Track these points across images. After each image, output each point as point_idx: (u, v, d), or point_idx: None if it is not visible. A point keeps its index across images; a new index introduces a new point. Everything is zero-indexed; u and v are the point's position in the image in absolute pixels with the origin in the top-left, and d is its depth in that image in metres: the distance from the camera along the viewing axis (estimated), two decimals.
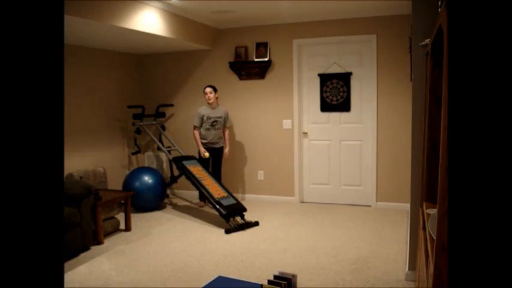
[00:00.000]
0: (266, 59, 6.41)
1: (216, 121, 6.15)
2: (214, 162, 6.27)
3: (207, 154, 6.06)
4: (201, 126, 6.13)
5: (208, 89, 6.12)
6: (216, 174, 6.20)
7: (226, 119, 6.30)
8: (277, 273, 3.36)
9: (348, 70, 6.17)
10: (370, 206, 6.23)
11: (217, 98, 6.22)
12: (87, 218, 4.60)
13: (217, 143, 6.23)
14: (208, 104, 6.14)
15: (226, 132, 6.36)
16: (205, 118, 6.10)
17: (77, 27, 4.58)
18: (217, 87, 6.77)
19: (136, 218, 5.76)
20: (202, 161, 6.13)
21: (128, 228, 5.28)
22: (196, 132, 6.13)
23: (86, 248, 4.60)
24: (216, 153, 6.25)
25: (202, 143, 6.15)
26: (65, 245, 4.23)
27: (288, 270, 3.96)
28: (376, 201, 6.20)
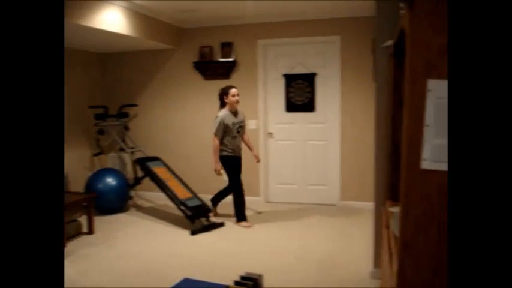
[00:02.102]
0: (231, 59, 6.39)
1: (241, 126, 5.41)
2: (238, 172, 5.47)
3: (223, 175, 5.30)
4: (222, 135, 5.28)
5: (235, 90, 5.31)
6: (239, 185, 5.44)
7: (245, 122, 5.60)
8: (243, 274, 3.36)
9: (313, 71, 6.23)
10: (335, 205, 6.30)
11: None
12: None
13: (240, 151, 5.49)
14: (232, 107, 5.32)
15: (246, 136, 5.65)
16: (231, 125, 5.27)
17: None
18: (181, 87, 6.72)
19: (99, 221, 5.64)
20: (234, 170, 5.37)
21: (90, 231, 5.17)
22: (217, 144, 5.27)
23: None
24: (240, 162, 5.51)
25: (228, 153, 5.32)
26: None
27: (254, 270, 3.95)
28: (341, 200, 6.27)
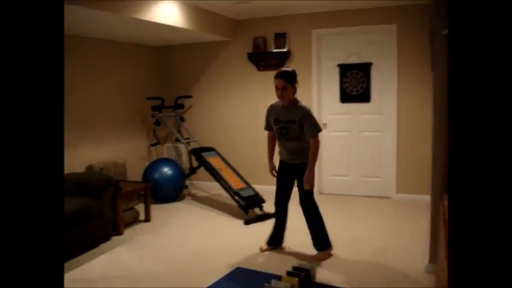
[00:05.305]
0: (285, 50, 6.37)
1: (286, 128, 3.95)
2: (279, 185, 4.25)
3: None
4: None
5: (276, 81, 3.87)
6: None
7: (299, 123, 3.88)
8: (295, 265, 3.36)
9: (368, 60, 6.09)
10: (390, 197, 6.17)
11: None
12: (108, 209, 4.65)
13: (287, 159, 4.11)
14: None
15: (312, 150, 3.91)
16: (272, 121, 4.09)
17: (95, 20, 4.61)
18: (235, 78, 6.74)
19: (155, 209, 5.80)
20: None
21: (147, 218, 5.33)
22: (268, 137, 4.34)
23: (106, 238, 4.65)
24: (290, 172, 4.13)
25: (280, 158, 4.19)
26: (85, 236, 4.30)
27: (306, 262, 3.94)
28: (396, 193, 6.13)
